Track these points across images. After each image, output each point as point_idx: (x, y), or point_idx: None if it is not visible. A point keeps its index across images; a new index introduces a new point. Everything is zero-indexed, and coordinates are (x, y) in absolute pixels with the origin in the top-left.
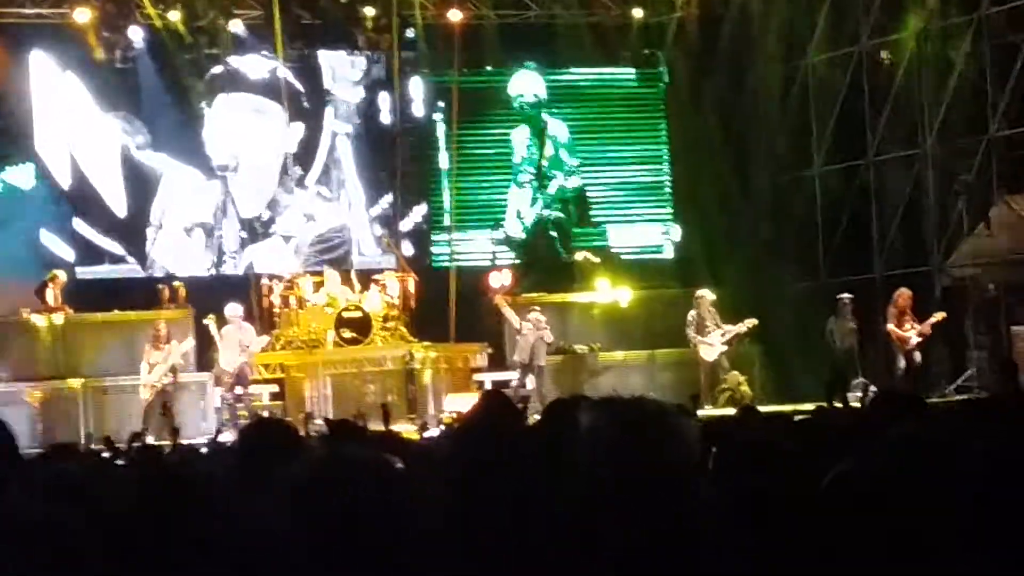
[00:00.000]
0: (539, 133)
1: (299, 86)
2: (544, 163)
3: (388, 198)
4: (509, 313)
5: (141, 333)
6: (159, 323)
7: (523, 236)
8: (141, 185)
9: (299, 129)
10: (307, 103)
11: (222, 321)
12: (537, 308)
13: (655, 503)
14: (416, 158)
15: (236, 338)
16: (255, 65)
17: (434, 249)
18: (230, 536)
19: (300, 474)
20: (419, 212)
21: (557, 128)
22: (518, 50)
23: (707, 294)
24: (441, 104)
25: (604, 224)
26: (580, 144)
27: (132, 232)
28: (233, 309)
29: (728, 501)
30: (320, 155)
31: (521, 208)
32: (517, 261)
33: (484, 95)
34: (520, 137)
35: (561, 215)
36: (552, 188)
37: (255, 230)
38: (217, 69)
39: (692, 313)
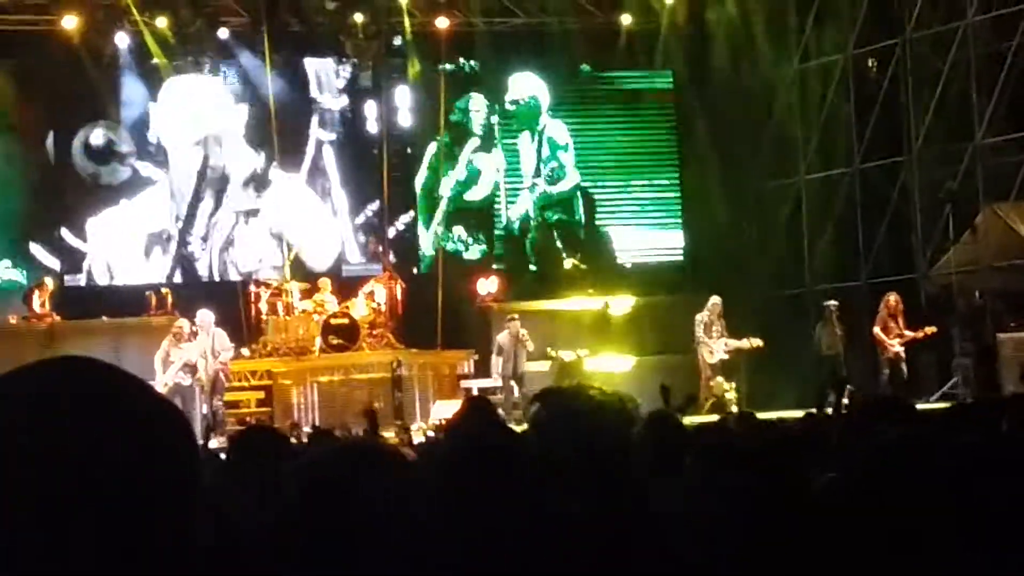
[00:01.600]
0: (538, 136)
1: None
2: (548, 166)
3: (373, 206)
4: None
5: (129, 339)
6: (180, 322)
7: (529, 241)
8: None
9: (244, 111)
10: (293, 111)
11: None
12: (516, 318)
13: (597, 485)
14: (401, 166)
15: (207, 345)
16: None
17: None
18: (222, 542)
19: (309, 461)
20: (404, 220)
21: (555, 130)
22: (508, 56)
23: (718, 300)
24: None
25: (606, 228)
26: (585, 149)
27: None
28: (204, 315)
29: (708, 501)
30: (305, 163)
31: (527, 212)
32: (502, 267)
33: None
34: (523, 142)
35: (564, 217)
36: (553, 190)
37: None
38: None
39: (704, 314)
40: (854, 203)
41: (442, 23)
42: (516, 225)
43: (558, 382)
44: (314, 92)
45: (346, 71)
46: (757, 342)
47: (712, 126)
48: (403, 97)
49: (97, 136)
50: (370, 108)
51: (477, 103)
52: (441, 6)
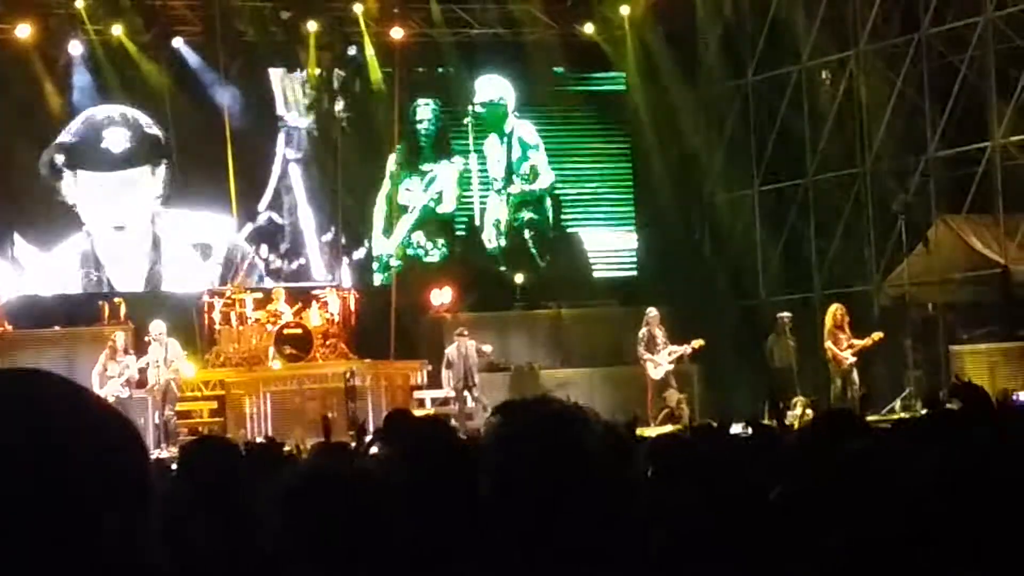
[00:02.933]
0: (507, 137)
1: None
2: (524, 165)
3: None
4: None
5: (81, 349)
6: (115, 335)
7: (500, 244)
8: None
9: (162, 172)
10: (258, 128)
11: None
12: (464, 332)
13: (561, 502)
14: (360, 179)
15: (160, 355)
16: (116, 137)
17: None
18: (176, 555)
19: (289, 485)
20: (363, 249)
21: (524, 130)
22: (462, 66)
23: (655, 312)
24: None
25: (573, 230)
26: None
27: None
28: (157, 326)
29: (669, 512)
30: (272, 181)
31: (497, 216)
32: (469, 270)
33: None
34: (491, 144)
35: (535, 217)
36: (527, 188)
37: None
38: (66, 139)
39: (643, 331)
40: (807, 215)
41: (397, 34)
42: (486, 228)
43: (512, 392)
44: (280, 110)
45: (309, 87)
46: (698, 343)
47: (666, 137)
48: (360, 109)
49: (61, 155)
50: (335, 125)
51: (424, 112)
52: (396, 17)
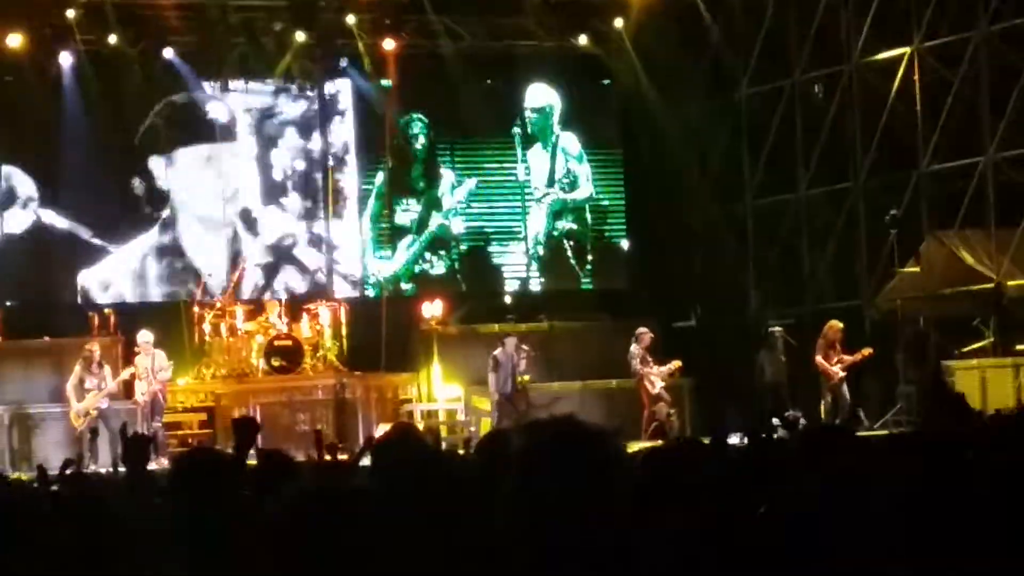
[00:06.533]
0: (551, 147)
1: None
2: (559, 177)
3: (318, 229)
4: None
5: (71, 360)
6: (92, 347)
7: (541, 255)
8: None
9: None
10: (249, 141)
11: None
12: (512, 334)
13: (592, 523)
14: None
15: (146, 366)
16: (217, 108)
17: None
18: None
19: (285, 509)
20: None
21: (567, 141)
22: (455, 78)
23: (647, 331)
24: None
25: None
26: None
27: None
28: (144, 336)
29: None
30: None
31: (537, 227)
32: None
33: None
34: (534, 154)
35: (575, 228)
36: (568, 197)
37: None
38: (162, 111)
39: (635, 347)
40: (799, 230)
41: (388, 45)
42: (528, 238)
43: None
44: (255, 147)
45: (298, 106)
46: (675, 364)
47: (659, 150)
48: (347, 125)
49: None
50: (316, 141)
51: (416, 127)
52: (387, 28)
